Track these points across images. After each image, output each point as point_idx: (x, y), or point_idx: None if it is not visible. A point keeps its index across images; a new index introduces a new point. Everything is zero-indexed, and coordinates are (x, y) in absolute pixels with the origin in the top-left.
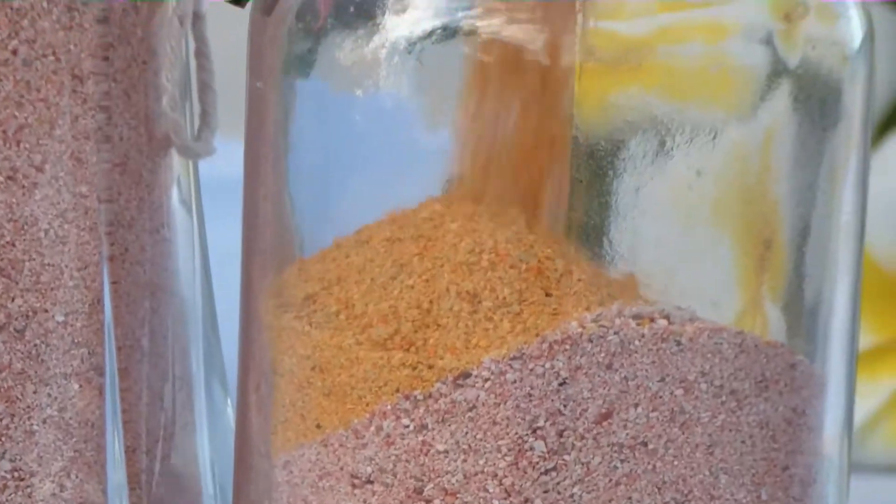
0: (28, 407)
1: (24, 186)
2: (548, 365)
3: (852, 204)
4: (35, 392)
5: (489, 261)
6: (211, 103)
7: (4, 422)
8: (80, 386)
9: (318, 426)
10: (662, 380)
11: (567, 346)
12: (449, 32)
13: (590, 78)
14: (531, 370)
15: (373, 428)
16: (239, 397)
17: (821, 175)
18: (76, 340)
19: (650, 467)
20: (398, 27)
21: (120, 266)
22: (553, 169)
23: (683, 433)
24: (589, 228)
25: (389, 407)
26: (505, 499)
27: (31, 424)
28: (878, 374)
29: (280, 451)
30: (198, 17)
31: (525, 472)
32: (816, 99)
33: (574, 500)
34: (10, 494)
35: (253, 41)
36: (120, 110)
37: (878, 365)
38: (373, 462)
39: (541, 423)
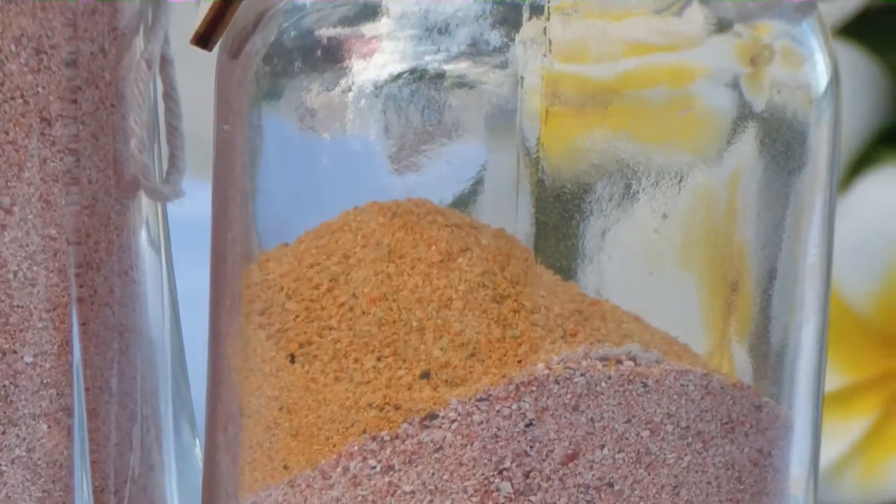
0: None
1: None
2: (514, 406)
3: (818, 246)
4: (3, 433)
5: (457, 301)
6: (179, 146)
7: None
8: (49, 426)
9: (286, 467)
10: (629, 421)
11: (534, 388)
12: (416, 76)
13: (556, 121)
14: (498, 411)
15: (340, 469)
16: (207, 438)
17: (787, 218)
18: (45, 381)
19: None
20: (365, 71)
21: (89, 307)
22: None
23: (649, 474)
24: (555, 271)
25: (356, 448)
26: None
27: (0, 465)
28: (850, 415)
29: (247, 491)
30: (165, 61)
31: None
32: (782, 142)
33: None
34: None
35: (220, 84)
36: (88, 153)
37: (849, 405)
38: (340, 503)
39: (507, 465)
